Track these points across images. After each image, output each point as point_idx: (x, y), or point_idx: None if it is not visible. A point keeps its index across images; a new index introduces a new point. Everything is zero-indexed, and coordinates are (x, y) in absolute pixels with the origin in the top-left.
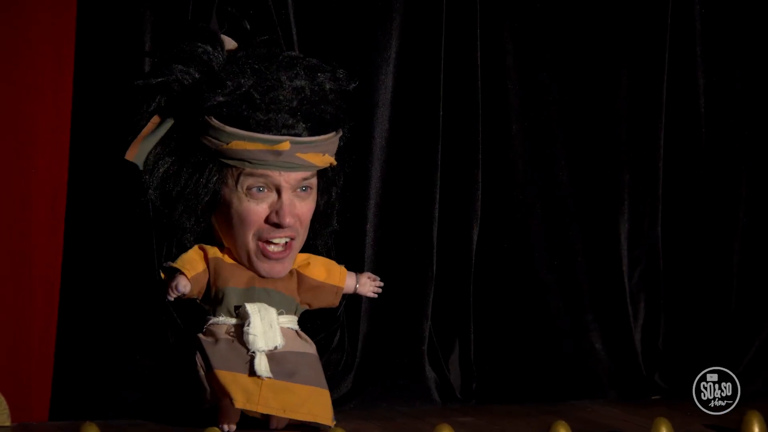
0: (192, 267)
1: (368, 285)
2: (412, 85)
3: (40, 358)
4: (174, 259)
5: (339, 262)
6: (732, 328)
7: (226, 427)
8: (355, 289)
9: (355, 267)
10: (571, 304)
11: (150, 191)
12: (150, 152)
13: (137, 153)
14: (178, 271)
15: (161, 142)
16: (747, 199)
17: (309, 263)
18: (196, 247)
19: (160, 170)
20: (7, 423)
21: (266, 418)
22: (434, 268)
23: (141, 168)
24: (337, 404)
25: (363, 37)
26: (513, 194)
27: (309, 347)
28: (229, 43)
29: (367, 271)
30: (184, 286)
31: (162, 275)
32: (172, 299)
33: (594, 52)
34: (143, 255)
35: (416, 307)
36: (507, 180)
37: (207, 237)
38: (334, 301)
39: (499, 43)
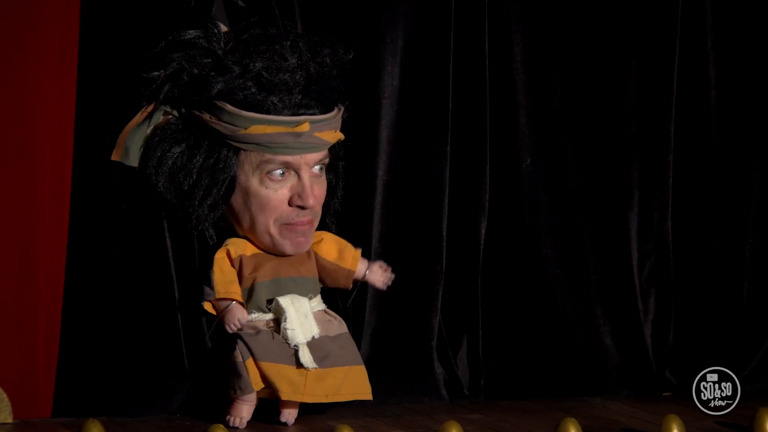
0: (235, 288)
1: (379, 274)
2: (419, 78)
3: (44, 354)
4: (198, 269)
5: None
6: (743, 324)
7: (237, 420)
8: (365, 275)
9: None
10: (580, 299)
11: (160, 186)
12: (153, 148)
13: (122, 152)
14: (230, 301)
15: (165, 137)
16: (759, 193)
17: (322, 239)
18: (218, 257)
19: (168, 163)
20: (9, 420)
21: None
22: (444, 262)
23: (135, 165)
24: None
25: (369, 28)
26: (521, 188)
27: (340, 326)
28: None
29: None
30: (244, 317)
31: (210, 309)
32: (235, 330)
33: (603, 44)
34: (147, 251)
35: (425, 302)
36: (515, 174)
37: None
38: (346, 283)
39: (507, 36)
